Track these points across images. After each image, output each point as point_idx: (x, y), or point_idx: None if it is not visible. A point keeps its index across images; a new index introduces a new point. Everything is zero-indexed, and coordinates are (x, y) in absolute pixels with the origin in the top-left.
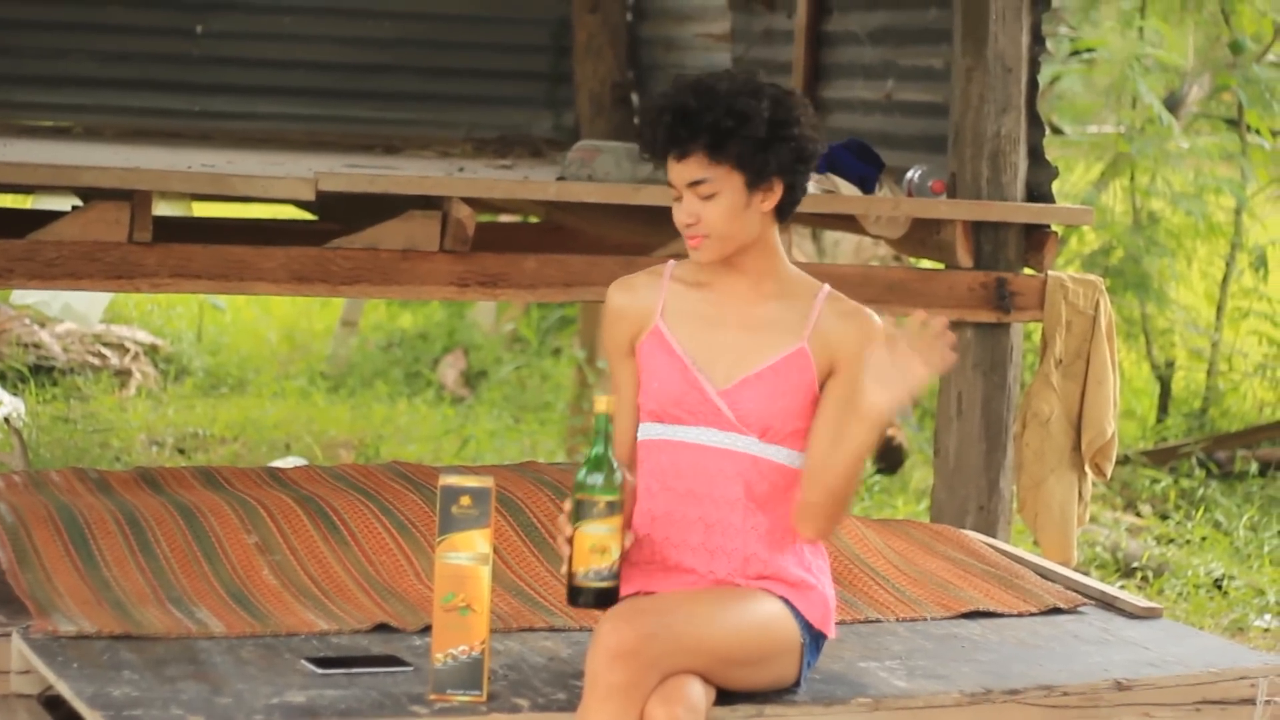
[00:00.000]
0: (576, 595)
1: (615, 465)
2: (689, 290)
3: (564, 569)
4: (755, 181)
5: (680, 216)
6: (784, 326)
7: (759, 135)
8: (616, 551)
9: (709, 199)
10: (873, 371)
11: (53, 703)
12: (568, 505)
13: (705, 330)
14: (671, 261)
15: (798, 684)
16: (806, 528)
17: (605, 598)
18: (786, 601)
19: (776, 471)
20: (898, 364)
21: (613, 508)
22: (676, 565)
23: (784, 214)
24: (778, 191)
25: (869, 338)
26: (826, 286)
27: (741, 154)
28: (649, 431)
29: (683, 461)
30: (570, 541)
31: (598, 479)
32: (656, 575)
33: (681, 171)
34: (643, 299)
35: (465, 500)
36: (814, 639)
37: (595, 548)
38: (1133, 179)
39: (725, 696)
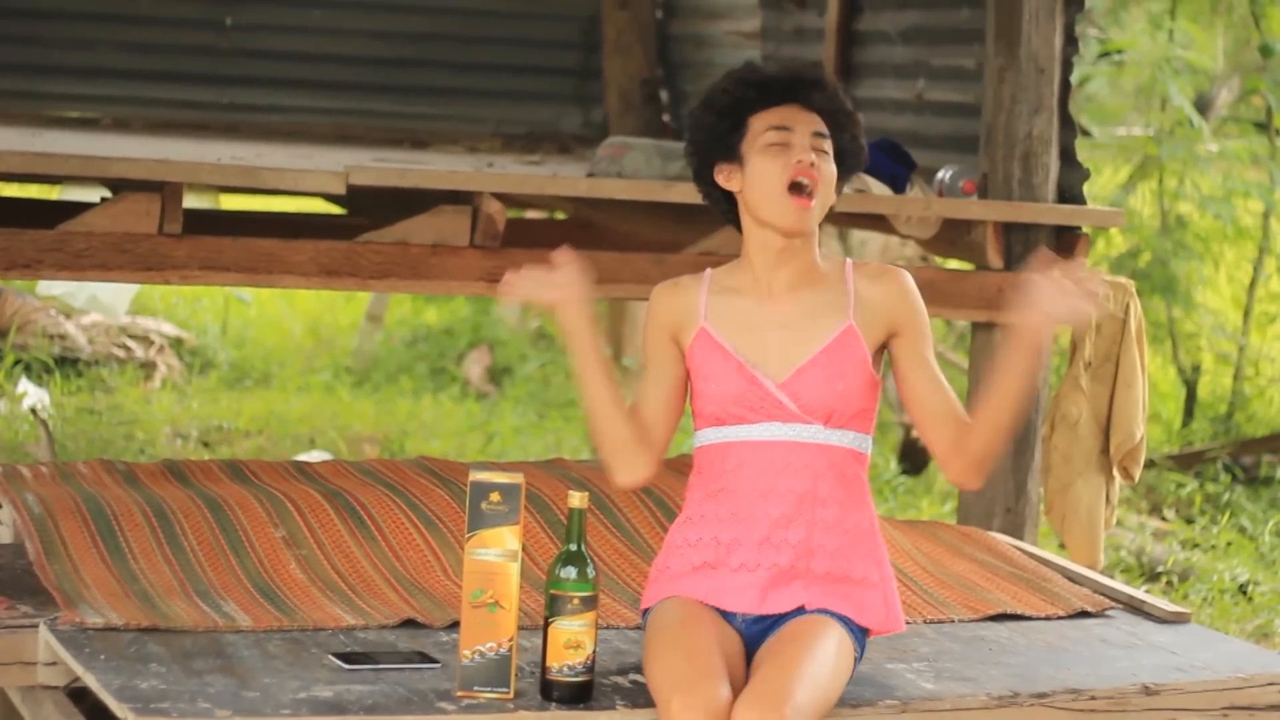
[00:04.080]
0: (550, 690)
1: (589, 559)
2: (726, 295)
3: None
4: (842, 173)
5: (803, 155)
6: (826, 309)
7: (860, 140)
8: (590, 646)
9: (823, 155)
10: (1031, 294)
11: (79, 694)
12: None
13: (750, 331)
14: (709, 269)
15: None
16: (961, 471)
17: (579, 692)
18: (845, 620)
19: (844, 458)
20: (1055, 290)
21: (587, 603)
22: (741, 565)
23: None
24: (839, 192)
25: (906, 289)
26: (849, 259)
27: (842, 149)
28: (709, 437)
29: (749, 460)
30: (544, 636)
31: (571, 573)
32: (718, 575)
33: (807, 120)
34: (689, 299)
35: (495, 496)
36: (862, 645)
37: (569, 643)
38: (1161, 182)
39: None
